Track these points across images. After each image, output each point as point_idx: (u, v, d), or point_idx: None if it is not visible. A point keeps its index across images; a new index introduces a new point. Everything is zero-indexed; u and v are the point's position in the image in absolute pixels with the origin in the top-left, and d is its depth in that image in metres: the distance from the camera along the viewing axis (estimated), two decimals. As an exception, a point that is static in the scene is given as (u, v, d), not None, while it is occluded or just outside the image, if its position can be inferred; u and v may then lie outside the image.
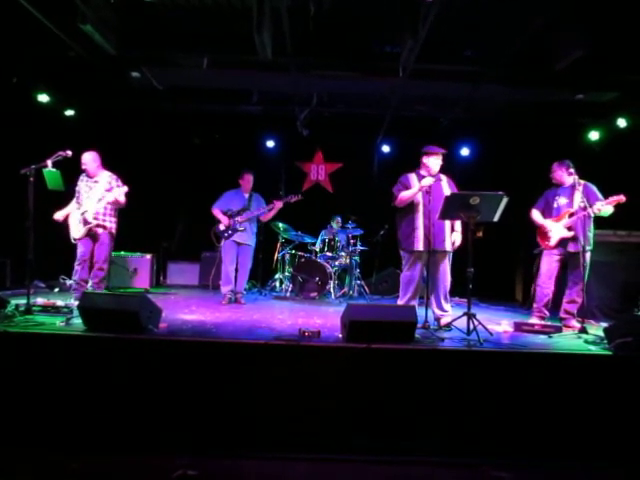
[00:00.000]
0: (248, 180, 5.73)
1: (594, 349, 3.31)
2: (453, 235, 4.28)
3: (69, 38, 4.98)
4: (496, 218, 3.81)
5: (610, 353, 3.17)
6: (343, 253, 6.72)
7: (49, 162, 4.13)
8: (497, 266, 6.96)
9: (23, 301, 3.89)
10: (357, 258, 6.90)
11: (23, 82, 6.08)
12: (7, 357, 3.03)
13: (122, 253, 6.58)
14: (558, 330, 3.92)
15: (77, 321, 3.49)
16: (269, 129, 8.02)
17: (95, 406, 2.97)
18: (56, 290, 5.67)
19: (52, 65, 5.92)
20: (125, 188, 4.87)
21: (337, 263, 6.67)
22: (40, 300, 4.03)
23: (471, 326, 3.60)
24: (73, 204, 4.88)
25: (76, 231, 4.82)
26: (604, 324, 4.16)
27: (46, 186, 4.34)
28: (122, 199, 4.86)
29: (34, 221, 4.00)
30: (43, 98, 6.36)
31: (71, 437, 2.89)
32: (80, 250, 4.82)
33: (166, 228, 8.08)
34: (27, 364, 3.02)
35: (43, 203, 4.37)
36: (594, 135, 6.94)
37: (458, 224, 4.35)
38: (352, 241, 6.91)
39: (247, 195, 5.74)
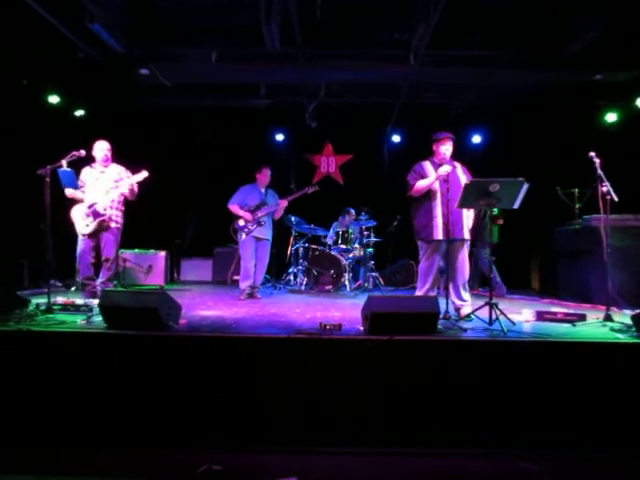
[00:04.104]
0: (266, 175, 5.68)
1: (622, 337, 3.24)
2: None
3: (77, 38, 4.96)
4: (516, 205, 3.73)
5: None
6: (357, 245, 6.67)
7: (64, 162, 4.12)
8: (512, 255, 6.88)
9: (43, 300, 3.91)
10: (371, 250, 6.85)
11: (33, 84, 6.09)
12: (31, 355, 3.04)
13: (136, 250, 6.59)
14: (582, 318, 3.85)
15: (97, 319, 3.50)
16: (278, 122, 7.98)
17: (119, 402, 2.98)
18: (73, 289, 5.70)
19: (61, 66, 5.91)
20: (144, 174, 4.70)
21: (351, 255, 6.62)
22: (60, 299, 4.04)
23: (493, 316, 3.56)
24: (78, 194, 4.68)
25: (83, 226, 4.61)
26: (627, 311, 4.08)
27: (61, 186, 4.34)
28: (136, 188, 4.76)
29: (49, 220, 4.00)
30: (54, 99, 6.38)
31: (96, 434, 2.90)
32: (81, 247, 4.65)
33: (178, 225, 8.09)
34: (51, 362, 3.03)
35: (58, 203, 4.37)
36: (611, 117, 6.80)
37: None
38: (365, 233, 6.86)
39: (263, 190, 5.70)
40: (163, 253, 6.69)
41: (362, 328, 3.43)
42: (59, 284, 5.94)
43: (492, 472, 2.63)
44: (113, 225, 4.73)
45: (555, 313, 3.98)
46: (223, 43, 5.42)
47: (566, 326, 3.73)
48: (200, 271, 7.60)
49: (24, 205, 5.68)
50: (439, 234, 4.11)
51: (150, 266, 6.55)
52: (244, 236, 5.51)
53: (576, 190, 5.95)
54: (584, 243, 5.31)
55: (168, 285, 6.76)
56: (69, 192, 4.62)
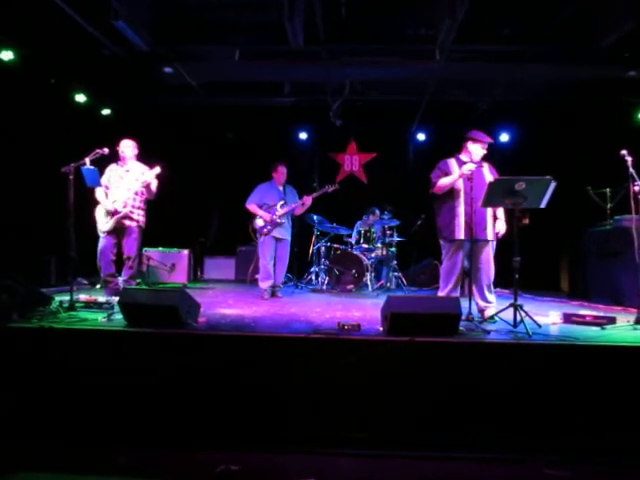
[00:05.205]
0: (282, 172, 5.64)
1: (655, 341, 3.09)
2: (497, 223, 4.10)
3: (102, 36, 5.04)
4: (543, 204, 3.61)
5: (673, 345, 2.95)
6: (379, 244, 6.59)
7: (87, 160, 4.18)
8: (540, 255, 6.68)
9: (66, 298, 3.96)
10: (394, 249, 6.76)
11: (61, 83, 6.22)
12: (53, 353, 3.09)
13: (160, 249, 6.67)
14: (611, 321, 3.69)
15: (118, 316, 3.53)
16: (301, 120, 7.97)
17: (137, 401, 2.99)
18: (98, 286, 5.79)
19: (88, 65, 6.01)
20: (157, 169, 4.77)
21: (373, 255, 6.54)
22: (83, 296, 4.11)
23: (518, 318, 3.45)
24: (103, 194, 4.82)
25: (103, 223, 4.75)
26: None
27: (84, 183, 4.41)
28: (154, 186, 4.81)
29: (75, 218, 4.06)
30: (81, 98, 6.50)
31: (115, 432, 2.91)
32: (102, 245, 4.76)
33: (201, 223, 8.17)
34: (71, 359, 3.07)
35: (83, 200, 4.45)
36: (646, 114, 6.53)
37: (501, 211, 4.17)
38: (388, 232, 6.77)
39: (281, 188, 5.66)
40: (186, 251, 6.74)
41: (381, 329, 3.37)
42: (85, 281, 6.04)
43: (516, 478, 2.54)
44: (134, 224, 4.81)
45: (583, 316, 3.83)
46: (246, 40, 5.42)
47: (595, 329, 3.57)
48: (223, 269, 7.65)
49: (52, 203, 5.81)
50: (461, 233, 4.01)
51: (173, 264, 6.61)
52: (263, 236, 5.46)
53: (608, 190, 5.73)
54: (615, 244, 5.12)
55: (191, 283, 6.81)
56: (99, 192, 4.80)
